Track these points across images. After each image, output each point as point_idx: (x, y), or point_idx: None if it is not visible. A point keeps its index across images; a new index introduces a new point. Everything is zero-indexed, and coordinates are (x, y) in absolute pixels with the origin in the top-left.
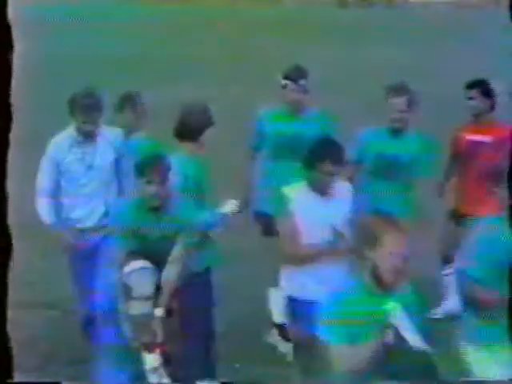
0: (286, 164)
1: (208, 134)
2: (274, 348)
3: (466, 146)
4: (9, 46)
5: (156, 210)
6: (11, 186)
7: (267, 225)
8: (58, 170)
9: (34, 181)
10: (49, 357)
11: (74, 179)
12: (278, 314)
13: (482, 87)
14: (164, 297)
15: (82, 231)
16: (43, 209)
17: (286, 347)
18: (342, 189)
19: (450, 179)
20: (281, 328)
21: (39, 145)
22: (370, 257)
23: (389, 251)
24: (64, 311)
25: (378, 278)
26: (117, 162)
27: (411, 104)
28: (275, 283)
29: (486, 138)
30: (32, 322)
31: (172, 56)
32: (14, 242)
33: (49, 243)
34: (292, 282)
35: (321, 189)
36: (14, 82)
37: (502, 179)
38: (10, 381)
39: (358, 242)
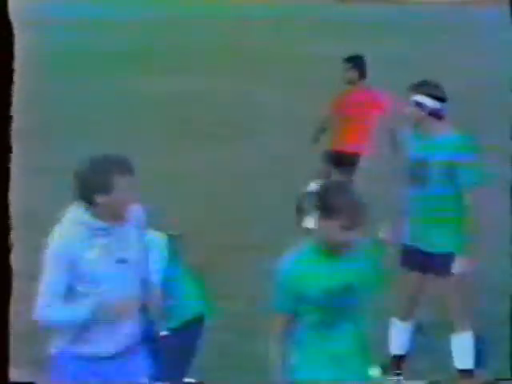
0: (416, 192)
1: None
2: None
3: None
4: (10, 42)
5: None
6: (11, 182)
7: (428, 263)
8: (73, 273)
9: (34, 176)
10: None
11: (93, 283)
12: (398, 345)
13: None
14: None
15: (97, 360)
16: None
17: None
18: None
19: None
20: (398, 360)
21: (40, 140)
22: None
23: None
24: None
25: None
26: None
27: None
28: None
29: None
30: (31, 315)
31: (172, 49)
32: (13, 234)
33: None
34: None
35: None
36: (15, 78)
37: None
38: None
39: None
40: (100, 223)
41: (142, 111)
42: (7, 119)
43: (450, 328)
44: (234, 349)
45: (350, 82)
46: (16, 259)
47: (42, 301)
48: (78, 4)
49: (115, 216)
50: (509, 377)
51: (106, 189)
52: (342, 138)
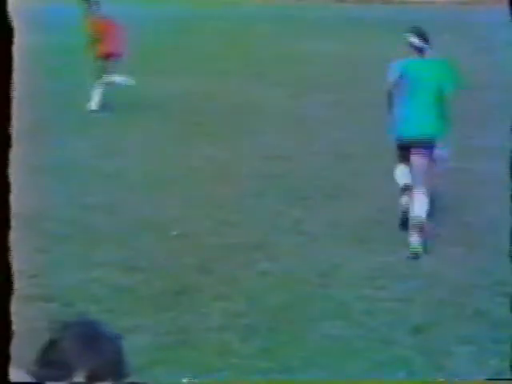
0: None
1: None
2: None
3: None
4: (9, 42)
5: None
6: (11, 178)
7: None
8: None
9: (34, 176)
10: None
11: None
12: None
13: None
14: None
15: None
16: None
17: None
18: None
19: None
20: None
21: (39, 140)
22: None
23: None
24: (63, 304)
25: None
26: None
27: None
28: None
29: None
30: (31, 314)
31: (172, 49)
32: (13, 234)
33: (48, 236)
34: None
35: None
36: (14, 76)
37: None
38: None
39: None
40: None
41: (142, 111)
42: (7, 119)
43: (449, 329)
44: (234, 349)
45: None
46: (16, 259)
47: None
48: (78, 4)
49: None
50: (509, 377)
51: None
52: None
